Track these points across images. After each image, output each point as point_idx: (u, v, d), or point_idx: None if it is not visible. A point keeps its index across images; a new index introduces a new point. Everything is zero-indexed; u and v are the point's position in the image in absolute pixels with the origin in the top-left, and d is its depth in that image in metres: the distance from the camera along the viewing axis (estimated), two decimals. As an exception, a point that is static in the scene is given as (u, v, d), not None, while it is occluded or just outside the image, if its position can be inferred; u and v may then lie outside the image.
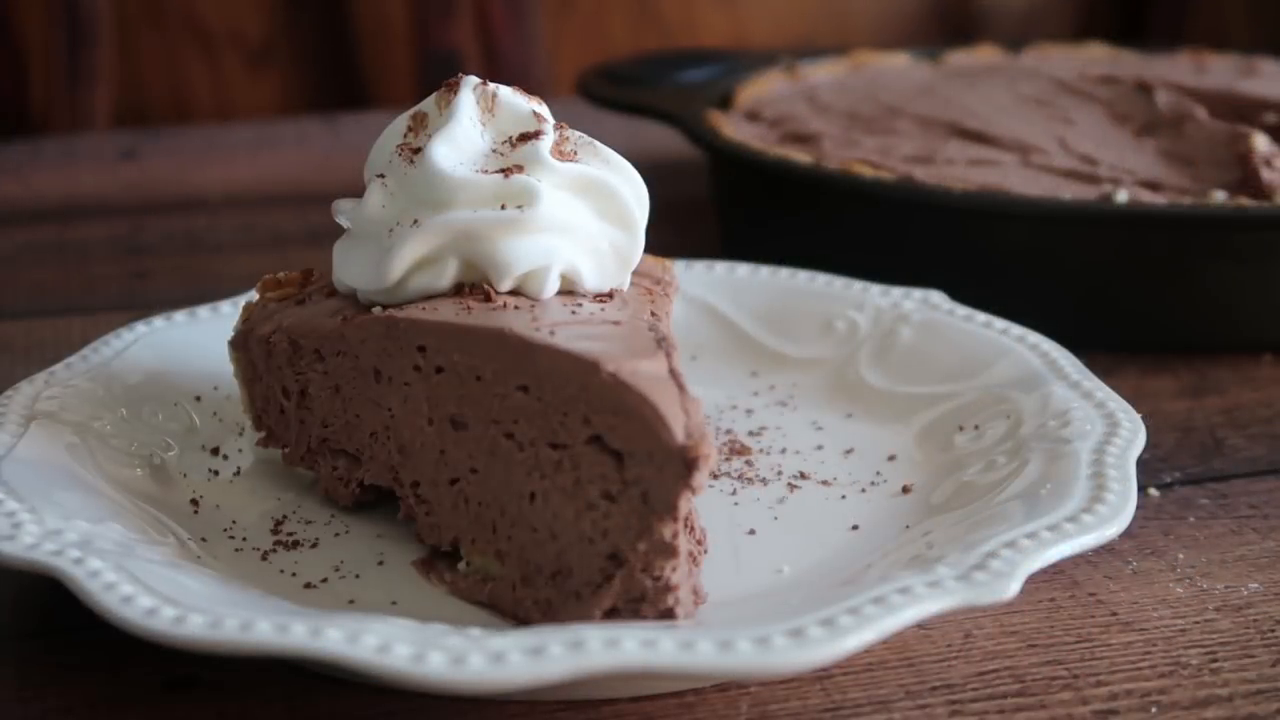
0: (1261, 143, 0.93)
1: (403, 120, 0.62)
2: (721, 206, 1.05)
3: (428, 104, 0.62)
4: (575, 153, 0.62)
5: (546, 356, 0.54)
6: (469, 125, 0.61)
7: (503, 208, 0.59)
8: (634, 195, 0.62)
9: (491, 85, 0.62)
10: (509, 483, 0.56)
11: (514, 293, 0.59)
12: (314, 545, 0.61)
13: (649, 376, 0.53)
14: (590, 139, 0.63)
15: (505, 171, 0.60)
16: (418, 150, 0.60)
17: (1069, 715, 0.52)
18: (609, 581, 0.53)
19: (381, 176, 0.61)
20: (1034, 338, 0.73)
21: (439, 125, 0.61)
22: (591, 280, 0.61)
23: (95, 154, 1.34)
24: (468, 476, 0.58)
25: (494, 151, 0.61)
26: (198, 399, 0.70)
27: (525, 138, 0.61)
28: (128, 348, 0.71)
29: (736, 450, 0.69)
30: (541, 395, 0.54)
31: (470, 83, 0.62)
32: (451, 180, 0.59)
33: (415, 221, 0.59)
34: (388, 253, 0.59)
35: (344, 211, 0.62)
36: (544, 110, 0.63)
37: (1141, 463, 0.62)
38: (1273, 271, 0.83)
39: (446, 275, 0.59)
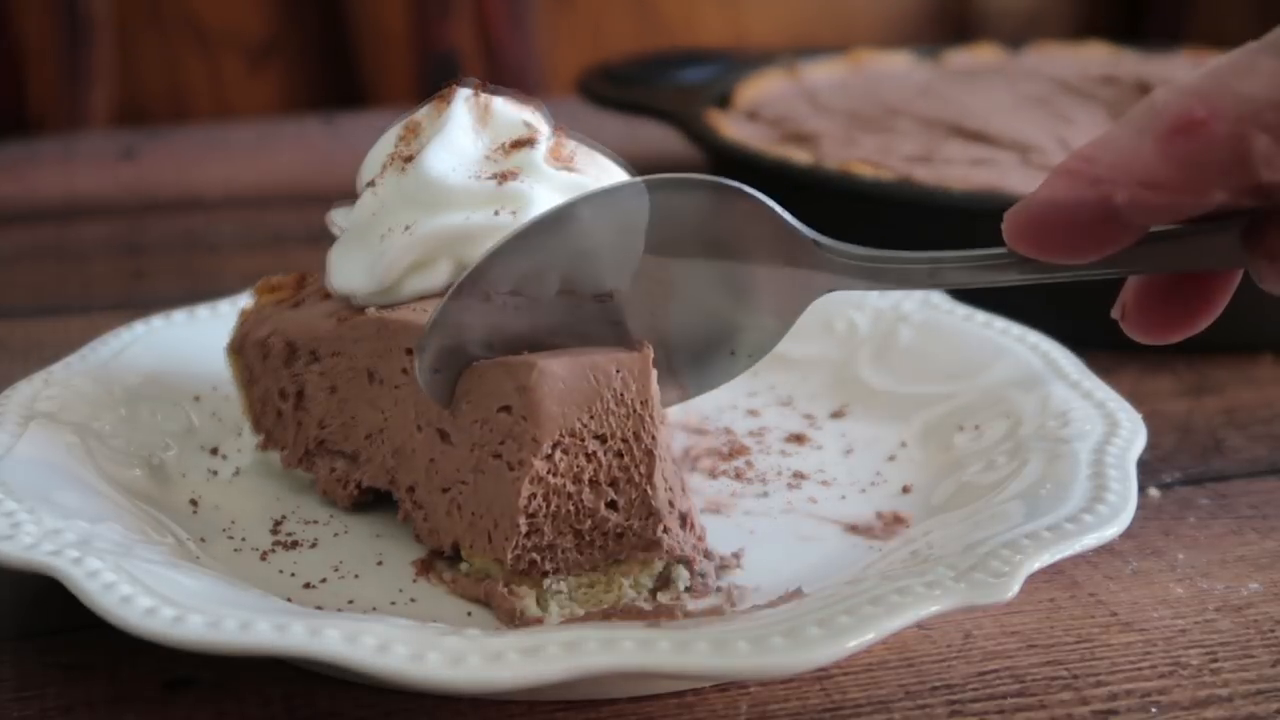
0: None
1: (395, 130, 0.62)
2: (721, 206, 1.05)
3: (421, 114, 0.62)
4: (573, 157, 0.62)
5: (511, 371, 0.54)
6: (462, 134, 0.61)
7: (496, 214, 0.59)
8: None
9: (484, 95, 0.62)
10: (502, 497, 0.55)
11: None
12: (313, 545, 0.61)
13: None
14: (588, 146, 0.63)
15: (499, 177, 0.60)
16: (410, 158, 0.60)
17: (1069, 715, 0.52)
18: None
19: (373, 184, 0.61)
20: (1034, 338, 0.72)
21: (432, 133, 0.61)
22: (586, 285, 0.61)
23: (94, 154, 1.34)
24: (459, 486, 0.58)
25: (487, 158, 0.61)
26: (196, 399, 0.70)
27: (519, 144, 0.61)
28: (126, 348, 0.71)
29: (736, 450, 0.69)
30: (524, 413, 0.54)
31: (463, 93, 0.62)
32: (444, 186, 0.59)
33: (408, 227, 0.59)
34: (380, 258, 0.59)
35: (337, 219, 0.63)
36: (538, 118, 0.63)
37: (1141, 463, 0.62)
38: (1273, 271, 0.83)
39: (440, 280, 0.59)
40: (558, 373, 0.53)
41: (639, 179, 0.54)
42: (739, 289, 0.55)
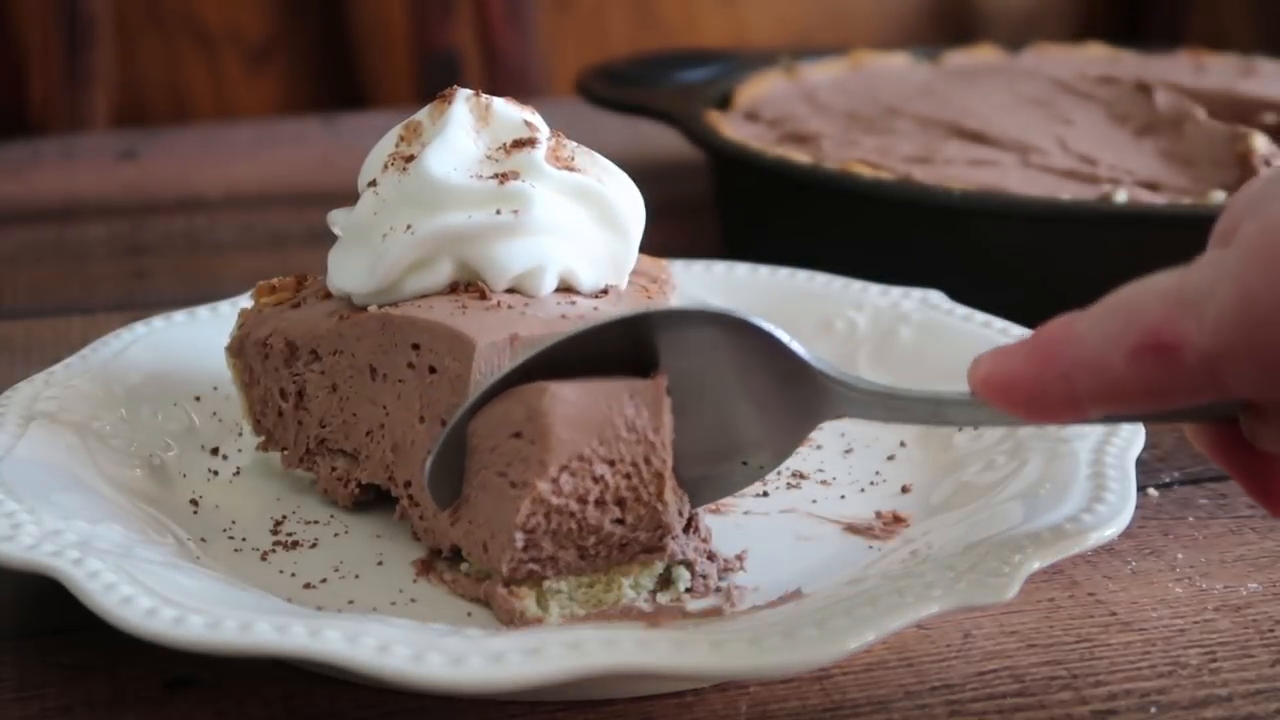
0: (1261, 143, 0.93)
1: (396, 130, 0.63)
2: (721, 206, 1.05)
3: (421, 115, 0.62)
4: (572, 158, 0.62)
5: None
6: (463, 134, 0.61)
7: (498, 213, 0.59)
8: (629, 204, 0.62)
9: (485, 96, 0.62)
10: (501, 512, 0.55)
11: (509, 291, 0.60)
12: (313, 545, 0.61)
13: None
14: (587, 149, 0.63)
15: (500, 177, 0.60)
16: (410, 158, 0.60)
17: (1068, 715, 0.52)
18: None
19: (374, 184, 0.61)
20: (1034, 338, 0.72)
21: (433, 134, 0.61)
22: (586, 284, 0.61)
23: (95, 154, 1.34)
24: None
25: (488, 158, 0.61)
26: (197, 399, 0.70)
27: (520, 144, 0.61)
28: (127, 348, 0.71)
29: (736, 450, 0.69)
30: (534, 438, 0.53)
31: (464, 94, 0.62)
32: (445, 185, 0.59)
33: (409, 227, 0.59)
34: (381, 258, 0.59)
35: (338, 221, 0.63)
36: (538, 120, 0.63)
37: (1141, 463, 0.62)
38: (1272, 271, 0.83)
39: (441, 278, 0.60)
40: (569, 397, 0.52)
41: (643, 313, 0.54)
42: (747, 414, 0.56)
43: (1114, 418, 0.47)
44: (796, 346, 0.54)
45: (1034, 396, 0.46)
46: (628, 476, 0.53)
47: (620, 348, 0.54)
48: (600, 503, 0.53)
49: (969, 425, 0.53)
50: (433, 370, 0.58)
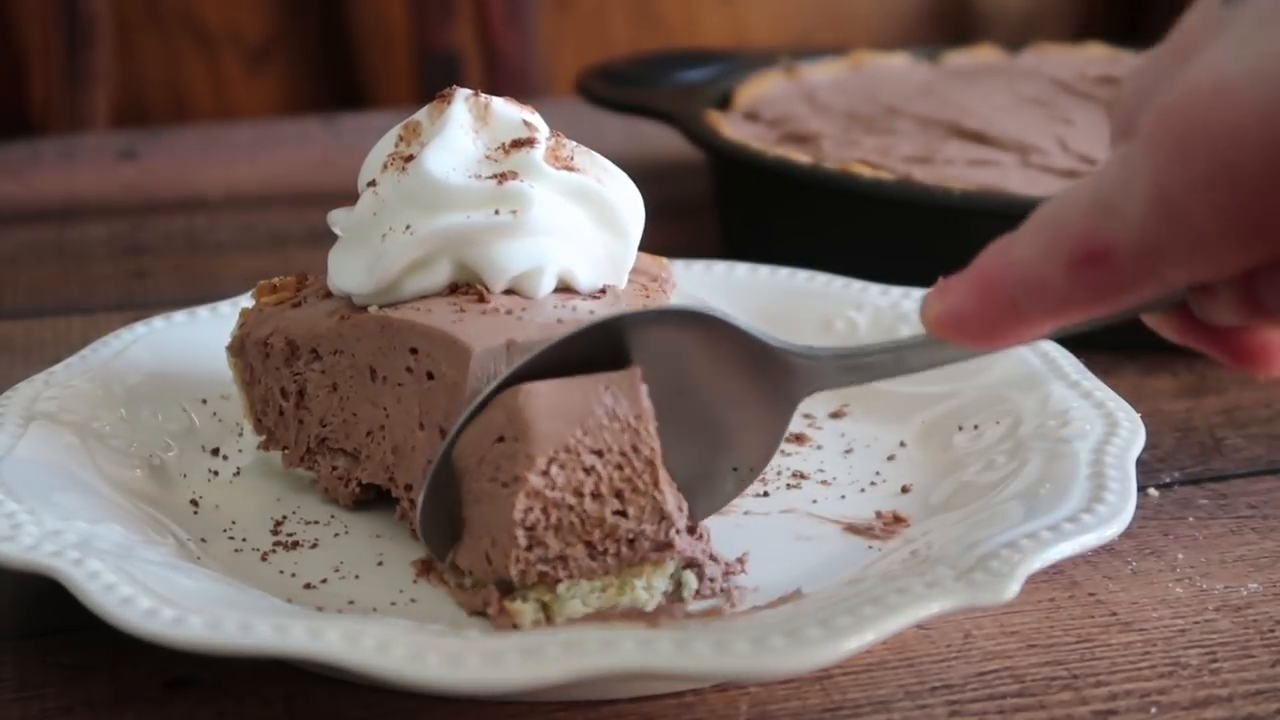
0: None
1: (395, 130, 0.63)
2: (721, 206, 1.05)
3: (420, 115, 0.62)
4: (572, 158, 0.62)
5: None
6: (462, 134, 0.61)
7: (496, 213, 0.59)
8: (628, 203, 0.62)
9: (484, 96, 0.62)
10: (497, 514, 0.54)
11: (508, 291, 0.59)
12: (314, 546, 0.61)
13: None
14: (586, 149, 0.63)
15: (499, 177, 0.60)
16: (410, 158, 0.60)
17: (1069, 715, 0.52)
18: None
19: (373, 184, 0.61)
20: (1033, 338, 0.72)
21: (432, 134, 0.61)
22: (584, 285, 0.61)
23: (95, 154, 1.34)
24: None
25: (487, 158, 0.61)
26: (197, 399, 0.70)
27: (519, 144, 0.61)
28: (127, 348, 0.71)
29: (736, 450, 0.69)
30: (517, 435, 0.53)
31: (463, 94, 0.62)
32: (444, 185, 0.59)
33: (408, 227, 0.59)
34: (380, 258, 0.59)
35: (338, 221, 0.63)
36: (537, 119, 0.63)
37: (1141, 463, 0.62)
38: (1272, 271, 0.83)
39: (440, 278, 0.60)
40: (545, 392, 0.53)
41: (605, 320, 0.54)
42: (723, 412, 0.56)
43: (1070, 329, 0.47)
44: (754, 330, 0.54)
45: (985, 326, 0.46)
46: (619, 467, 0.53)
47: (596, 358, 0.54)
48: (597, 495, 0.53)
49: (932, 366, 0.54)
50: (430, 376, 0.58)
